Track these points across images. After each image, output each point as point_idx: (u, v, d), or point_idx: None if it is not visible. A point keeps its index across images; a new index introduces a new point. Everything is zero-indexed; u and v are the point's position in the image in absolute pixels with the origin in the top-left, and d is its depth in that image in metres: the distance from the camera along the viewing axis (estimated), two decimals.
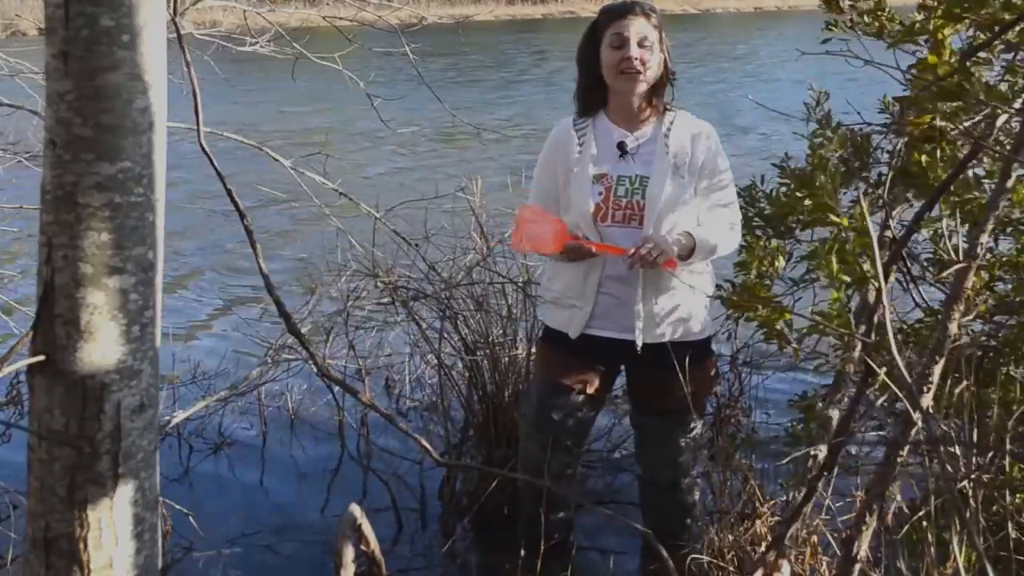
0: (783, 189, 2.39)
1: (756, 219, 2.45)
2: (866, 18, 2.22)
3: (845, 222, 1.90)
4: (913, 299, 2.21)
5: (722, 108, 12.43)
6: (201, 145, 1.66)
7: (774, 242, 2.18)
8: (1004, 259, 2.15)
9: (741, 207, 2.50)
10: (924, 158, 2.11)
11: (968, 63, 1.81)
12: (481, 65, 20.52)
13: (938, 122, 2.03)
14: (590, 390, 2.50)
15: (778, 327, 2.10)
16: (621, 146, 2.40)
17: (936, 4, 2.10)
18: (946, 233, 2.07)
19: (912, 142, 2.19)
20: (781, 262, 2.04)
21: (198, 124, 1.66)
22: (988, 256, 2.13)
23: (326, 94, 13.58)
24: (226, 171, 1.75)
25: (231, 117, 11.88)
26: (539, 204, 2.47)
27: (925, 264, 2.32)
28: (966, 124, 1.79)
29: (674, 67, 2.43)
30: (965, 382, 1.89)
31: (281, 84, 14.77)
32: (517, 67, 20.52)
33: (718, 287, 2.44)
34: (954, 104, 1.83)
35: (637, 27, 2.33)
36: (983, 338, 2.24)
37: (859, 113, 2.45)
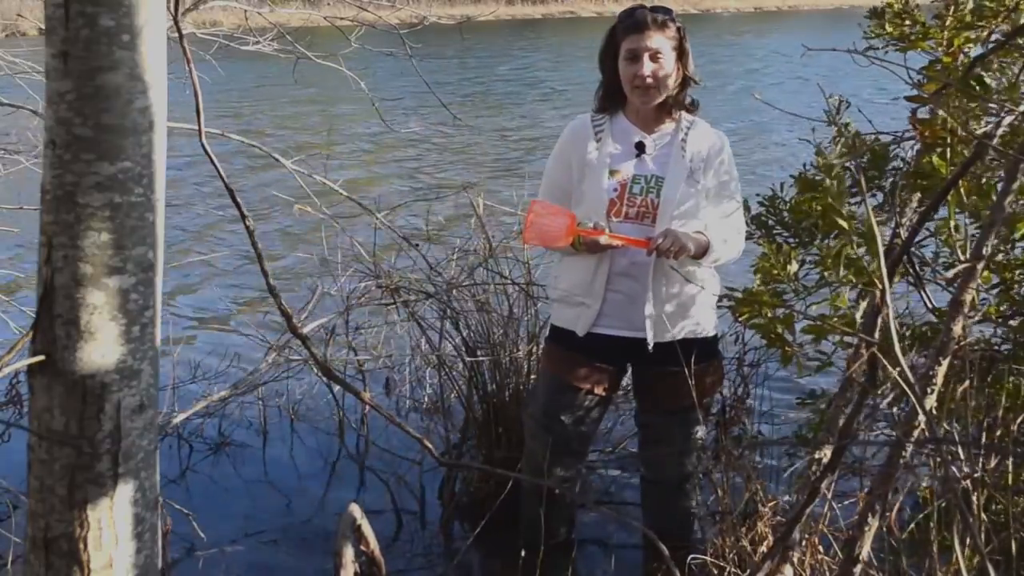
0: (794, 195, 2.39)
1: (777, 227, 2.45)
2: (888, 27, 2.23)
3: (849, 225, 1.90)
4: (923, 301, 2.20)
5: (724, 109, 12.43)
6: (203, 145, 1.65)
7: (786, 246, 2.18)
8: (1018, 261, 2.14)
9: (762, 215, 2.51)
10: (935, 160, 2.10)
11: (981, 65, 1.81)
12: (482, 66, 20.53)
13: (950, 123, 2.03)
14: (598, 390, 2.50)
15: (779, 331, 2.09)
16: (639, 146, 2.41)
17: (949, 12, 2.10)
18: (953, 233, 2.07)
19: (925, 145, 2.19)
20: (794, 265, 2.03)
21: (199, 124, 1.66)
22: (1002, 257, 2.12)
23: (326, 94, 13.59)
24: (227, 171, 1.75)
25: (231, 118, 11.88)
26: (548, 198, 2.48)
27: (933, 265, 2.31)
28: (982, 129, 1.78)
29: (696, 73, 2.42)
30: (967, 382, 1.88)
31: (281, 84, 14.78)
32: (517, 67, 20.52)
33: (722, 297, 2.45)
34: (968, 106, 1.83)
35: (650, 42, 2.33)
36: (995, 340, 2.24)
37: (870, 121, 2.45)
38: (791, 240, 2.39)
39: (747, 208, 2.54)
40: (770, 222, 2.45)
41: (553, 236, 2.32)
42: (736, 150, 2.59)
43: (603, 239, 2.27)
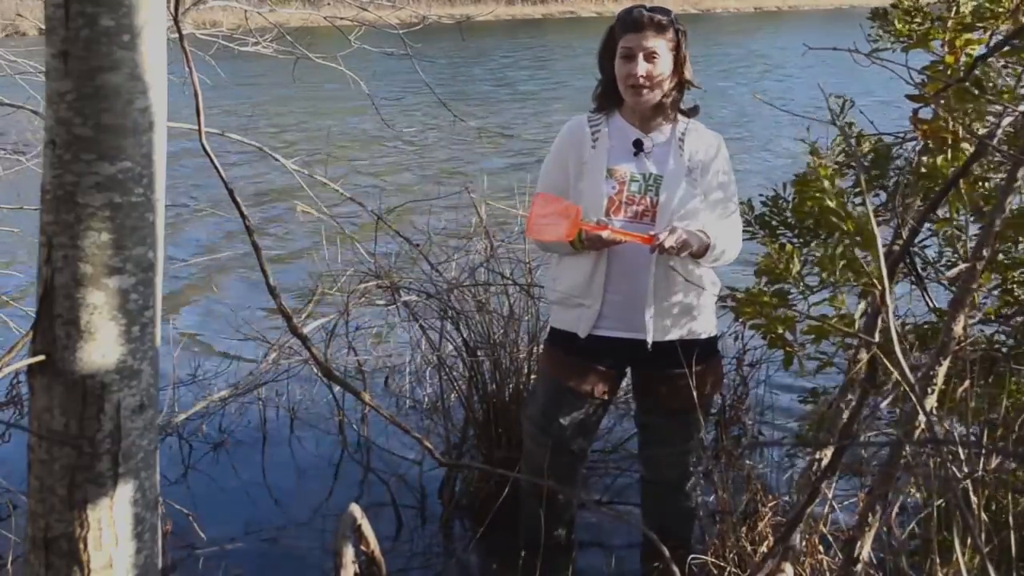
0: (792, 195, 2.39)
1: (780, 227, 2.45)
2: (898, 24, 2.22)
3: (850, 225, 1.90)
4: (926, 301, 2.20)
5: (723, 109, 12.43)
6: (203, 145, 1.65)
7: (789, 246, 2.17)
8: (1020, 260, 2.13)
9: (766, 215, 2.52)
10: (939, 160, 2.10)
11: (983, 65, 1.81)
12: (482, 65, 20.52)
13: (951, 124, 2.03)
14: (598, 393, 2.50)
15: (779, 331, 2.09)
16: (637, 144, 2.41)
17: (951, 13, 2.10)
18: (956, 231, 2.07)
19: (926, 144, 2.19)
20: (796, 264, 2.03)
21: (200, 125, 1.66)
22: (1003, 258, 2.11)
23: (326, 94, 13.59)
24: (228, 172, 1.75)
25: (231, 118, 11.88)
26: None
27: (935, 265, 2.31)
28: (985, 129, 1.78)
29: (693, 77, 2.42)
30: (967, 382, 1.88)
31: (281, 85, 14.78)
32: (518, 67, 20.53)
33: (723, 298, 2.45)
34: (969, 107, 1.83)
35: (646, 41, 2.32)
36: (998, 340, 2.23)
37: (871, 121, 2.45)
38: (795, 241, 2.39)
39: (751, 208, 2.54)
40: (773, 222, 2.45)
41: (556, 231, 2.31)
42: (732, 150, 2.58)
43: (606, 234, 2.27)
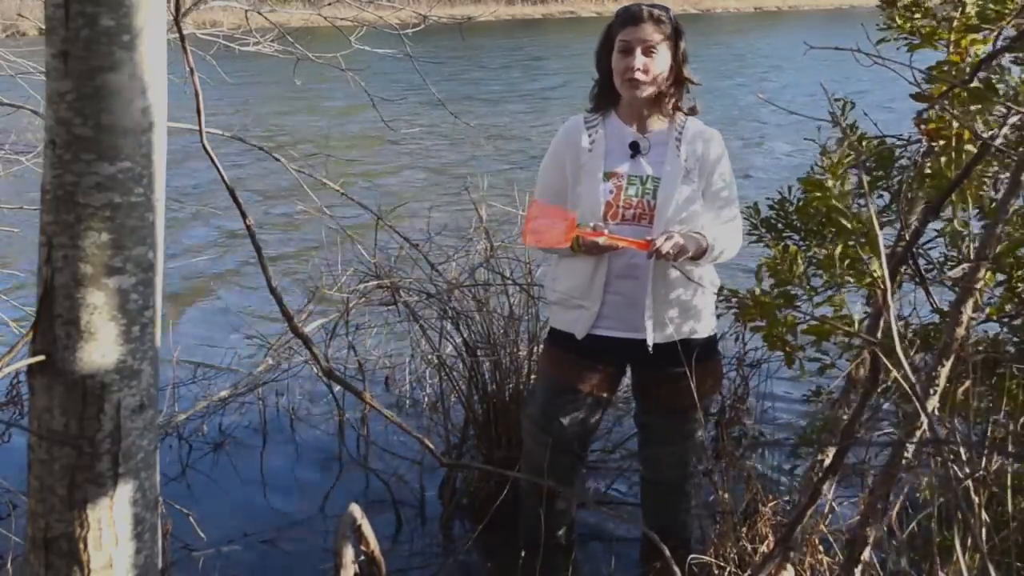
0: (799, 195, 2.38)
1: (786, 230, 2.44)
2: (899, 19, 2.22)
3: (854, 225, 1.89)
4: (930, 302, 2.20)
5: (723, 110, 12.42)
6: (203, 146, 1.65)
7: (793, 247, 2.17)
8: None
9: (772, 218, 2.51)
10: (943, 160, 2.10)
11: (989, 67, 1.81)
12: (482, 65, 20.52)
13: (955, 125, 2.02)
14: (598, 392, 2.50)
15: (779, 331, 2.09)
16: (634, 146, 2.40)
17: (957, 13, 2.10)
18: (959, 230, 2.06)
19: (930, 145, 2.19)
20: (800, 266, 2.03)
21: (200, 124, 1.65)
22: (1011, 258, 2.11)
23: (326, 95, 13.59)
24: (228, 172, 1.75)
25: (231, 118, 11.88)
26: (544, 200, 2.47)
27: (939, 266, 2.30)
28: (993, 131, 1.77)
29: (691, 73, 2.42)
30: (968, 382, 1.88)
31: (281, 85, 14.78)
32: (517, 67, 20.52)
33: (725, 299, 2.44)
34: (975, 107, 1.82)
35: (644, 35, 2.32)
36: (1002, 339, 2.23)
37: (875, 124, 2.44)
38: (800, 243, 2.39)
39: (757, 212, 2.53)
40: (779, 224, 2.44)
41: (552, 237, 2.31)
42: (731, 150, 2.58)
43: (603, 240, 2.26)
